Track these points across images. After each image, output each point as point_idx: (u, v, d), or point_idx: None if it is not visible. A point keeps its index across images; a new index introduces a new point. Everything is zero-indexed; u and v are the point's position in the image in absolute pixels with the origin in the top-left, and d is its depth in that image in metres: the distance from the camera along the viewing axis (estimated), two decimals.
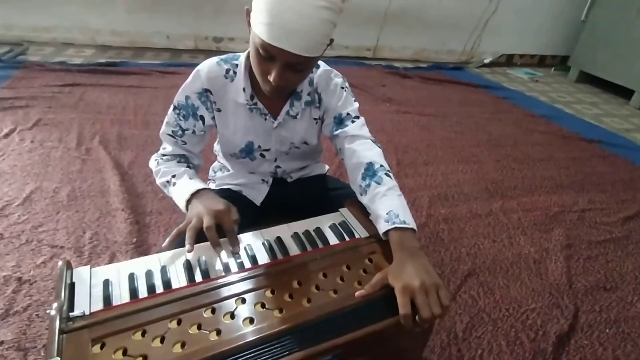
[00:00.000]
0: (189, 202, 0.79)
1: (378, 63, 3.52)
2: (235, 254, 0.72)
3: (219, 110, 0.89)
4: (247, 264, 0.70)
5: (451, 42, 3.79)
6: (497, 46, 3.96)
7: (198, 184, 0.82)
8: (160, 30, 3.11)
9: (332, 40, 0.76)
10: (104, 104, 2.14)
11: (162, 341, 0.55)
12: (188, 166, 0.91)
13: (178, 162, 0.90)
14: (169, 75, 2.61)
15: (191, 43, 3.22)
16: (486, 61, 3.94)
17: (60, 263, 0.64)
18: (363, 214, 0.82)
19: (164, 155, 0.90)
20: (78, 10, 2.85)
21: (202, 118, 0.88)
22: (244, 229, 0.81)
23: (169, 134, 0.89)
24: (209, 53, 3.20)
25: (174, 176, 0.85)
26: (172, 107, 0.88)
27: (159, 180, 0.88)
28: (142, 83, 2.45)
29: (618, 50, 3.25)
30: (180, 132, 0.88)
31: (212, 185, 1.10)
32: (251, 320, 0.59)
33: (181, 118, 0.87)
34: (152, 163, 0.91)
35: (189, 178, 0.85)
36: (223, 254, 0.72)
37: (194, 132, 0.89)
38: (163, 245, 0.74)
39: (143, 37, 3.11)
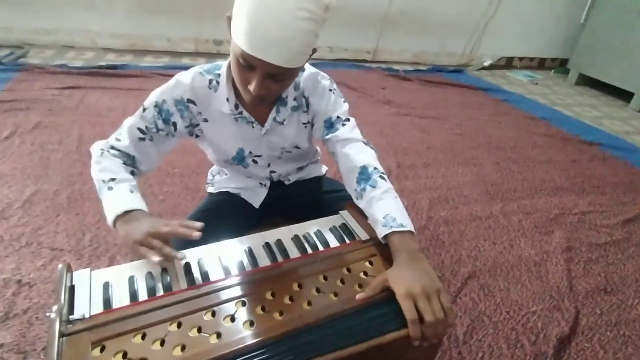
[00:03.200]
0: (119, 217, 0.71)
1: (378, 66, 3.53)
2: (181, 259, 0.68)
3: (205, 120, 0.87)
4: (248, 267, 0.70)
5: (451, 45, 3.80)
6: (497, 49, 3.97)
7: (135, 202, 0.74)
8: (160, 33, 3.11)
9: (314, 50, 0.74)
10: (104, 106, 2.14)
11: (162, 344, 0.55)
12: (132, 172, 0.83)
13: (124, 162, 0.82)
14: (169, 78, 2.61)
15: (191, 46, 3.23)
16: (486, 64, 3.95)
17: (60, 266, 0.64)
18: (363, 216, 0.82)
19: (112, 147, 0.82)
20: (79, 13, 2.86)
21: (174, 125, 0.84)
22: (244, 231, 0.80)
23: (139, 128, 0.82)
24: (209, 56, 3.21)
25: (113, 179, 0.76)
26: (152, 103, 0.82)
27: (96, 173, 0.78)
28: (142, 86, 2.46)
29: (617, 52, 3.26)
30: (154, 129, 0.83)
31: (211, 189, 1.10)
32: (251, 323, 0.59)
33: (159, 118, 0.82)
34: (96, 149, 0.82)
35: (130, 191, 0.76)
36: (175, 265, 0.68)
37: (168, 133, 0.84)
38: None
39: (143, 39, 3.12)
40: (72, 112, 2.03)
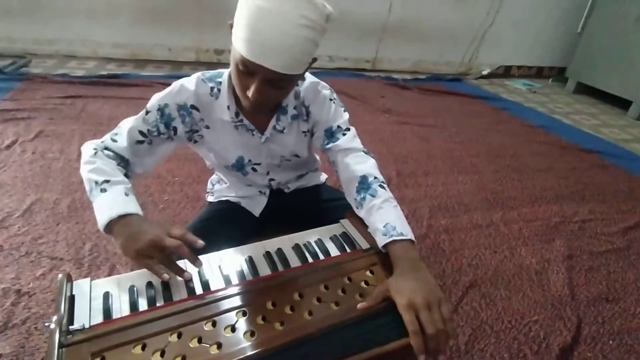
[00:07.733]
0: (114, 221, 0.69)
1: (377, 75, 3.56)
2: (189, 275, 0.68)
3: (207, 127, 0.88)
4: (248, 276, 0.70)
5: (449, 54, 3.83)
6: (495, 58, 4.00)
7: (131, 206, 0.71)
8: (161, 42, 3.14)
9: (314, 59, 0.74)
10: (105, 115, 2.15)
11: (162, 355, 0.54)
12: (126, 174, 0.80)
13: (118, 164, 0.80)
14: None
15: (192, 55, 3.25)
16: (484, 73, 3.98)
17: (60, 275, 0.64)
18: (363, 225, 0.82)
19: (107, 148, 0.81)
20: (81, 23, 2.89)
21: (174, 129, 0.84)
22: (244, 240, 0.80)
23: (140, 131, 0.82)
24: (210, 65, 3.23)
25: (107, 181, 0.73)
26: (155, 107, 0.82)
27: (87, 174, 0.75)
28: (143, 95, 2.46)
29: (614, 61, 3.28)
30: (155, 133, 0.83)
31: (211, 198, 1.10)
32: (252, 334, 0.58)
33: (161, 121, 0.83)
34: (89, 148, 0.80)
35: (125, 194, 0.73)
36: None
37: (168, 137, 0.85)
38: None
39: (145, 49, 3.14)
40: (74, 121, 2.04)
